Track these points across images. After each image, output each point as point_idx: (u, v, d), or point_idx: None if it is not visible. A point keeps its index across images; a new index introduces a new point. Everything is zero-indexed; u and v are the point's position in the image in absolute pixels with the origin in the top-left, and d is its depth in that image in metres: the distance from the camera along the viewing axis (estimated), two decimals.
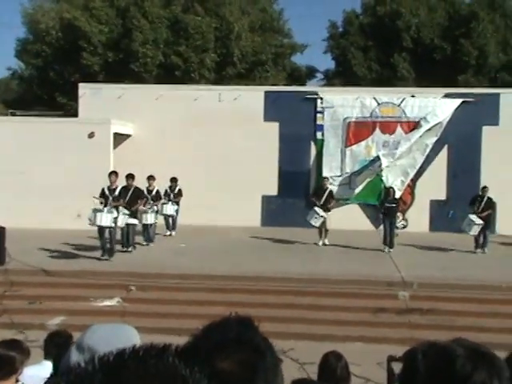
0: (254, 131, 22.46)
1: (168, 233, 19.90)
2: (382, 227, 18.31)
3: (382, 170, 22.31)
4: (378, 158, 22.23)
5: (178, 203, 19.70)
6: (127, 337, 1.75)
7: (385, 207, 17.67)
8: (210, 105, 22.78)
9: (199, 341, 1.61)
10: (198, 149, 22.38)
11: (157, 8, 33.19)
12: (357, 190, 22.62)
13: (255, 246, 18.19)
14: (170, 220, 19.91)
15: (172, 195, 19.61)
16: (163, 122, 22.59)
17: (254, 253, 16.80)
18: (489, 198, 17.71)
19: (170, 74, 32.47)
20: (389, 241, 17.49)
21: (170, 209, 19.29)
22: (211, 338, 1.59)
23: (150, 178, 18.54)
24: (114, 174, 16.16)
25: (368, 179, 22.54)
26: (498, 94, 22.65)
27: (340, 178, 22.55)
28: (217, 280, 13.55)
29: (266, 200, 22.89)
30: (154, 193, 18.55)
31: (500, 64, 36.22)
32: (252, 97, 23.12)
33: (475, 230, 17.34)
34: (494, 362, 1.69)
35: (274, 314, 12.23)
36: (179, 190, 19.78)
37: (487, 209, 17.58)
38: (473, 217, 17.40)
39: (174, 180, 19.74)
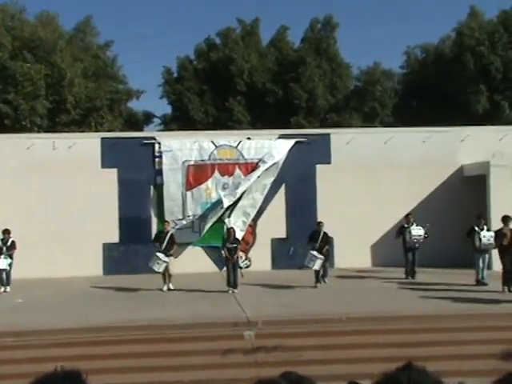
0: (91, 179, 21.95)
1: (2, 289, 18.55)
2: (225, 268, 18.29)
3: (224, 211, 22.44)
4: (220, 200, 22.37)
5: (11, 256, 18.49)
6: None
7: (227, 248, 17.69)
8: (43, 153, 22.02)
9: None
10: (32, 199, 21.46)
11: None
12: (200, 233, 22.61)
13: (98, 296, 17.52)
14: (4, 275, 18.56)
15: (5, 248, 18.36)
16: None
17: (97, 303, 16.18)
18: (325, 233, 18.31)
19: None
20: (233, 281, 17.52)
21: (2, 263, 18.06)
22: None
23: None
24: None
25: (210, 222, 22.60)
26: (328, 134, 23.77)
27: (183, 222, 22.44)
28: (59, 334, 12.85)
29: (107, 248, 22.29)
30: None
31: (329, 106, 38.16)
32: (88, 144, 22.65)
33: (318, 265, 17.82)
34: None
35: (121, 364, 11.84)
36: (12, 242, 18.54)
37: (324, 243, 18.15)
38: (314, 252, 17.88)
39: (6, 232, 18.53)
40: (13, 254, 18.60)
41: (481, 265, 17.66)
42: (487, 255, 17.81)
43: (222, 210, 22.47)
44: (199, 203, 22.64)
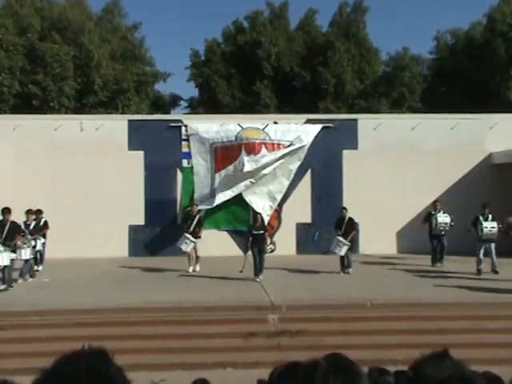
0: (118, 160, 22.07)
1: (35, 267, 18.78)
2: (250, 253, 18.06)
3: (243, 173, 22.20)
4: (242, 162, 22.28)
5: (44, 236, 18.76)
6: None
7: (253, 234, 17.47)
8: (71, 134, 22.16)
9: (48, 376, 1.56)
10: (59, 180, 21.67)
11: (12, 36, 32.05)
12: (226, 216, 22.62)
13: (123, 277, 17.67)
14: (38, 254, 18.70)
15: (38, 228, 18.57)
16: (22, 153, 21.70)
17: (122, 284, 16.34)
18: (350, 219, 18.20)
19: (27, 104, 31.32)
20: (259, 267, 17.35)
21: (37, 243, 18.11)
22: (62, 371, 1.55)
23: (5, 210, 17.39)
24: None
25: (236, 205, 22.52)
26: (355, 120, 23.58)
27: (212, 203, 22.43)
28: (83, 314, 12.98)
29: (134, 230, 22.46)
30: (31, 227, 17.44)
31: (357, 91, 37.84)
32: (115, 126, 22.74)
33: (344, 251, 17.79)
34: None
35: (144, 345, 11.93)
36: (45, 222, 18.74)
37: (349, 229, 18.05)
38: (340, 238, 17.83)
39: (38, 212, 18.76)
40: (45, 234, 18.85)
41: (481, 254, 17.45)
42: (493, 244, 17.42)
43: (241, 172, 22.24)
44: (227, 185, 22.58)
